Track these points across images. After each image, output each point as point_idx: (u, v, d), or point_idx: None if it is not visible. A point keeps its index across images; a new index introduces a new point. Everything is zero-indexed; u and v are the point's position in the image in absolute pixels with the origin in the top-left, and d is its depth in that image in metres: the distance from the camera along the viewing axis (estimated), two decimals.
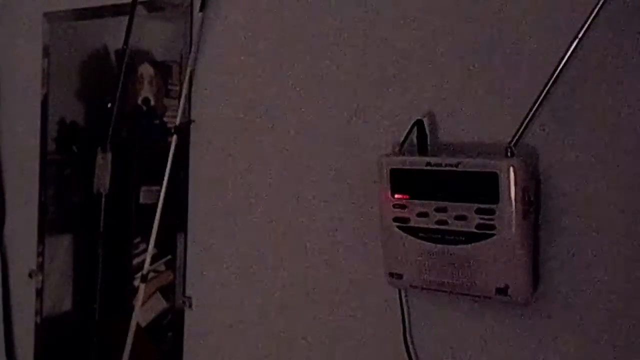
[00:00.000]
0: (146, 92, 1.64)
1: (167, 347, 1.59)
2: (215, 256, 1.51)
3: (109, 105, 1.66)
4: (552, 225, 1.09)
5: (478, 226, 1.06)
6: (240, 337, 1.47)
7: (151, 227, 1.52)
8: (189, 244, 1.55)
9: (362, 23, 1.28)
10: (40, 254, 1.86)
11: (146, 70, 1.64)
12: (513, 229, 1.04)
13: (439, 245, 1.10)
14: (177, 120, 1.53)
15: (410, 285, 1.17)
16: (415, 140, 1.18)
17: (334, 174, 1.32)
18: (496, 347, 1.15)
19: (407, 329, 1.23)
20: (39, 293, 1.87)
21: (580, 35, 1.02)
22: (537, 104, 1.06)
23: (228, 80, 1.48)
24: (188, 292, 1.56)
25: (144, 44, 1.64)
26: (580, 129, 1.06)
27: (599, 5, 1.00)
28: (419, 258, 1.12)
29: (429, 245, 1.11)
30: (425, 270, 1.12)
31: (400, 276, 1.16)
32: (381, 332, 1.27)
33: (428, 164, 1.11)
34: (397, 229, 1.15)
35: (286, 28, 1.39)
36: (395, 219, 1.15)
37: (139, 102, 1.64)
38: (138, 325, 1.58)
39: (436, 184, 1.10)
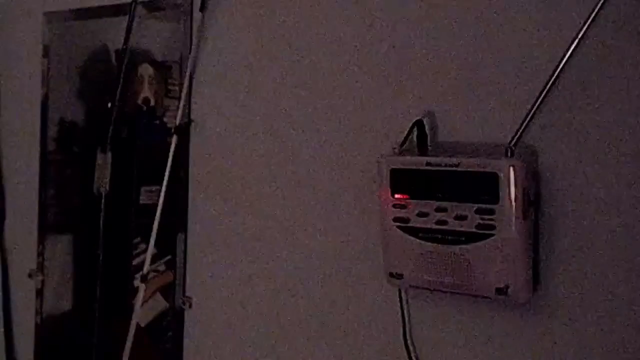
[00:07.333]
0: (146, 92, 1.64)
1: (167, 347, 1.59)
2: (215, 256, 1.51)
3: (109, 105, 1.66)
4: (552, 225, 1.09)
5: (478, 226, 1.06)
6: (240, 337, 1.47)
7: (151, 227, 1.52)
8: (189, 244, 1.55)
9: (362, 23, 1.28)
10: (40, 254, 1.86)
11: (146, 70, 1.64)
12: (513, 229, 1.04)
13: (439, 245, 1.10)
14: (177, 120, 1.53)
15: (410, 285, 1.17)
16: (415, 140, 1.18)
17: (333, 174, 1.32)
18: (496, 347, 1.15)
19: (407, 329, 1.23)
20: (39, 293, 1.87)
21: (580, 35, 1.02)
22: (537, 104, 1.06)
23: (228, 80, 1.48)
24: (188, 292, 1.56)
25: (144, 44, 1.64)
26: (580, 129, 1.06)
27: (599, 5, 1.00)
28: (419, 258, 1.12)
29: (429, 245, 1.11)
30: (425, 270, 1.12)
31: (400, 276, 1.16)
32: (381, 332, 1.27)
33: (428, 164, 1.11)
34: (397, 229, 1.15)
35: (286, 28, 1.39)
36: (395, 219, 1.15)
37: (139, 102, 1.64)
38: (138, 325, 1.58)
39: (436, 184, 1.10)
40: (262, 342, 1.44)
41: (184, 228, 1.55)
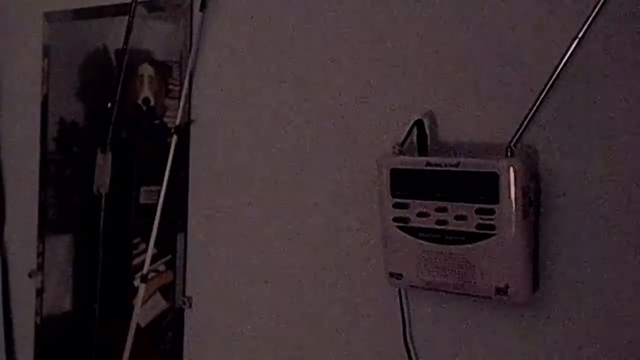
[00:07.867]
0: (146, 92, 1.64)
1: (167, 347, 1.59)
2: (215, 256, 1.51)
3: (109, 105, 1.66)
4: (552, 225, 1.09)
5: (478, 226, 1.06)
6: (240, 337, 1.47)
7: (151, 227, 1.52)
8: (189, 244, 1.55)
9: (362, 23, 1.28)
10: (40, 254, 1.86)
11: (146, 70, 1.64)
12: (513, 229, 1.04)
13: (439, 245, 1.10)
14: (177, 120, 1.53)
15: (410, 285, 1.17)
16: (415, 140, 1.19)
17: (334, 174, 1.32)
18: (496, 347, 1.15)
19: (407, 329, 1.23)
20: (39, 293, 1.87)
21: (580, 35, 1.02)
22: (537, 104, 1.06)
23: (228, 80, 1.48)
24: (188, 292, 1.56)
25: (144, 44, 1.64)
26: (580, 129, 1.06)
27: (598, 6, 1.00)
28: (419, 258, 1.13)
29: (429, 245, 1.11)
30: (425, 270, 1.12)
31: (400, 276, 1.16)
32: (381, 332, 1.27)
33: (428, 164, 1.11)
34: (397, 229, 1.15)
35: (286, 28, 1.39)
36: (395, 219, 1.15)
37: (139, 102, 1.64)
38: (138, 325, 1.58)
39: (436, 184, 1.10)
40: (262, 342, 1.44)
41: (184, 228, 1.55)
